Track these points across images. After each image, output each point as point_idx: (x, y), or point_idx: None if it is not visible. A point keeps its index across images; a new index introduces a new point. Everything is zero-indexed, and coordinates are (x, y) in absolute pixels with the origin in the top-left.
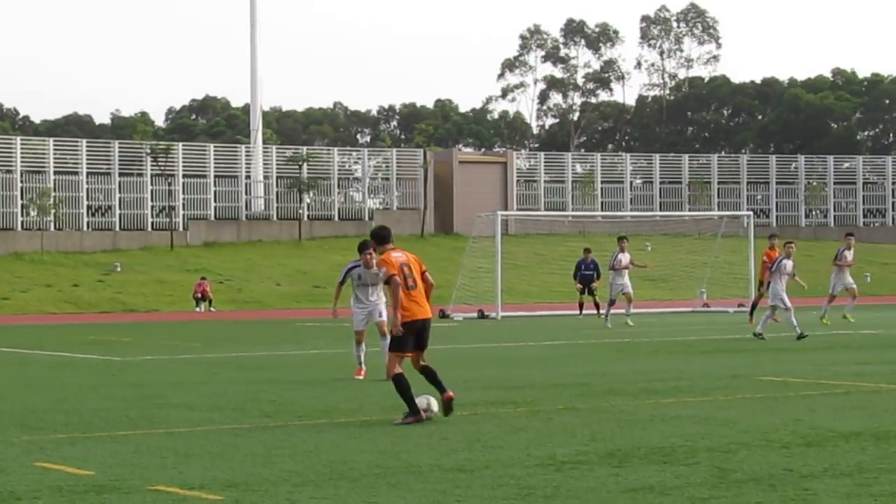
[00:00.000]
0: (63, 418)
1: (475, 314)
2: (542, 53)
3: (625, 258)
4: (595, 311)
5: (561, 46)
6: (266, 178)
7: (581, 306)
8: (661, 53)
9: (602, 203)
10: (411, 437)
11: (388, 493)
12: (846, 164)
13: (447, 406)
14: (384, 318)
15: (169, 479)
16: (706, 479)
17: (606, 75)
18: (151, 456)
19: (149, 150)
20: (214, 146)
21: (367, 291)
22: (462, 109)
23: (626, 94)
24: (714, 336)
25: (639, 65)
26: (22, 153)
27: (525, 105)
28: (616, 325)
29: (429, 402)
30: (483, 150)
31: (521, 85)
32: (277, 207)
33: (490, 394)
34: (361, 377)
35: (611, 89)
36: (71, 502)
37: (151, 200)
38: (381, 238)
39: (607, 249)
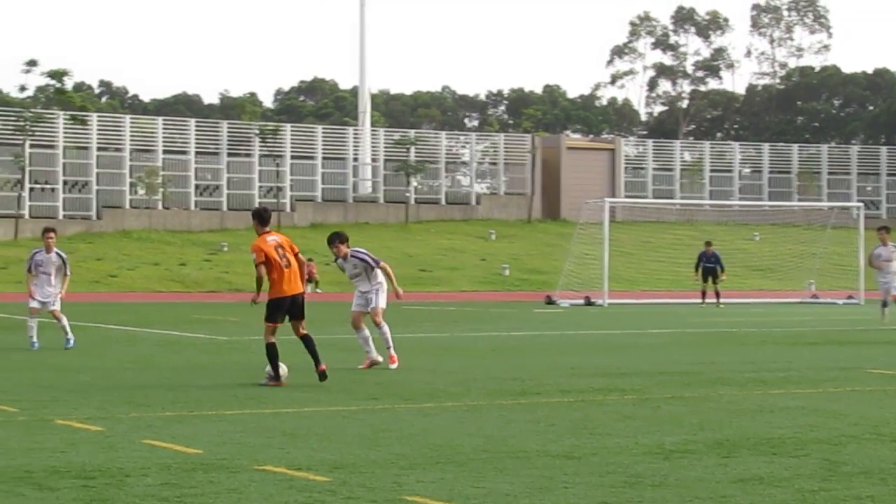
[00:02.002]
0: (171, 396)
1: (582, 301)
2: (652, 40)
3: (886, 252)
4: (716, 300)
5: (671, 34)
6: (374, 160)
7: (703, 294)
8: (772, 42)
9: (710, 192)
10: (518, 422)
11: (495, 478)
12: None
13: (321, 377)
14: (375, 305)
15: (276, 460)
16: (816, 472)
17: (716, 63)
18: (258, 435)
19: (257, 131)
20: (322, 128)
21: (358, 282)
22: (570, 95)
23: (735, 82)
24: (823, 327)
25: (749, 53)
26: (131, 132)
27: (634, 92)
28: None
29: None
30: (591, 136)
31: (631, 72)
32: (384, 190)
33: (597, 381)
34: (394, 365)
35: (720, 77)
36: (179, 480)
37: (259, 181)
38: (262, 219)
39: (716, 238)
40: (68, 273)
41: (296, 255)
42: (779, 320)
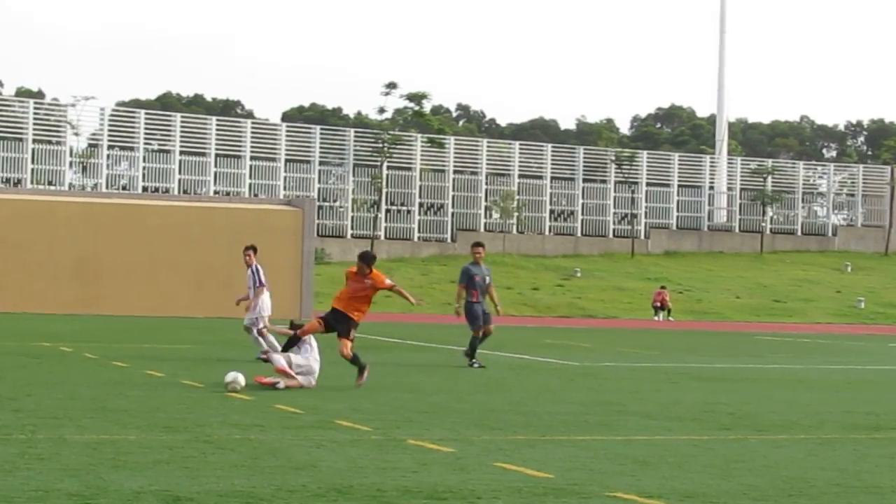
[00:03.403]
0: (522, 420)
1: None
2: None
3: None
4: None
5: None
6: (729, 189)
7: None
8: None
9: None
10: (872, 457)
11: None
12: None
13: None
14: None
15: (627, 487)
16: None
17: None
18: (609, 462)
19: (613, 158)
20: (679, 155)
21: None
22: None
23: None
24: None
25: None
26: (487, 156)
27: None
28: None
29: (235, 377)
30: None
31: None
32: (740, 219)
33: None
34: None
35: None
36: None
37: (614, 207)
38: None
39: None
40: (259, 284)
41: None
42: None
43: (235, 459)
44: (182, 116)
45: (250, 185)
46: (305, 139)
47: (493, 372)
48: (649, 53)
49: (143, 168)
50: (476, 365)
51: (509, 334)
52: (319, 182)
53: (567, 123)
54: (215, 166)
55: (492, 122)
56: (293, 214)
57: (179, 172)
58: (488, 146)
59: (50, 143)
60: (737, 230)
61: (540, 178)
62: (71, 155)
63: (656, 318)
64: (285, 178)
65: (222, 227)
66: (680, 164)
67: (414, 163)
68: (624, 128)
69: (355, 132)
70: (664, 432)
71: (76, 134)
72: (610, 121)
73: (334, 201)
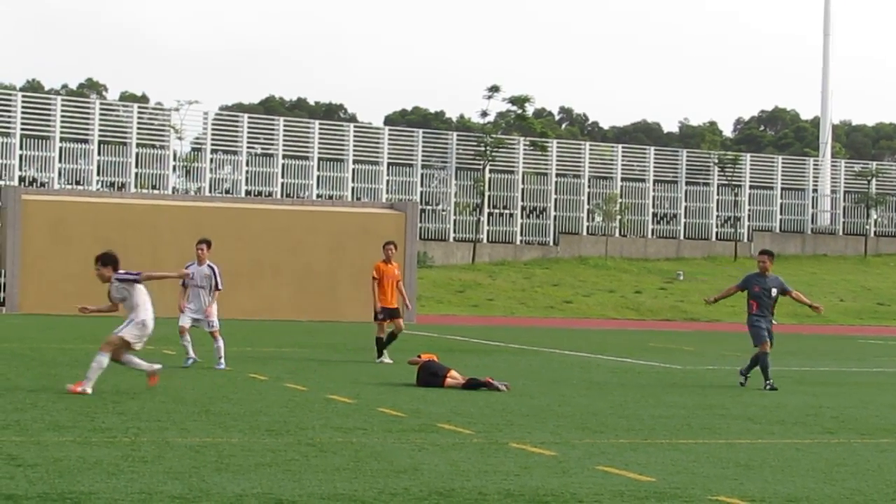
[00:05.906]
0: (624, 423)
1: None
2: None
3: None
4: None
5: None
6: (833, 192)
7: None
8: None
9: None
10: None
11: None
12: None
13: None
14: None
15: (730, 490)
16: None
17: None
18: (712, 466)
19: (716, 160)
20: (782, 158)
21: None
22: None
23: None
24: None
25: None
26: (590, 159)
27: None
28: None
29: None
30: None
31: None
32: (843, 222)
33: None
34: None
35: None
36: None
37: (717, 210)
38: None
39: None
40: (220, 287)
41: None
42: None
43: (338, 463)
44: (285, 120)
45: (353, 188)
46: (408, 142)
47: (595, 375)
48: (753, 56)
49: (246, 172)
50: (768, 387)
51: (612, 338)
52: (422, 185)
53: (670, 126)
54: (318, 170)
55: (594, 125)
56: (396, 218)
57: (282, 176)
58: (591, 149)
59: (154, 147)
60: (841, 233)
61: (643, 181)
62: (174, 159)
63: None
64: (388, 181)
65: (325, 231)
66: (783, 167)
67: (516, 166)
68: (727, 130)
69: (458, 135)
70: (767, 436)
71: (180, 138)
72: (713, 123)
73: (437, 205)
